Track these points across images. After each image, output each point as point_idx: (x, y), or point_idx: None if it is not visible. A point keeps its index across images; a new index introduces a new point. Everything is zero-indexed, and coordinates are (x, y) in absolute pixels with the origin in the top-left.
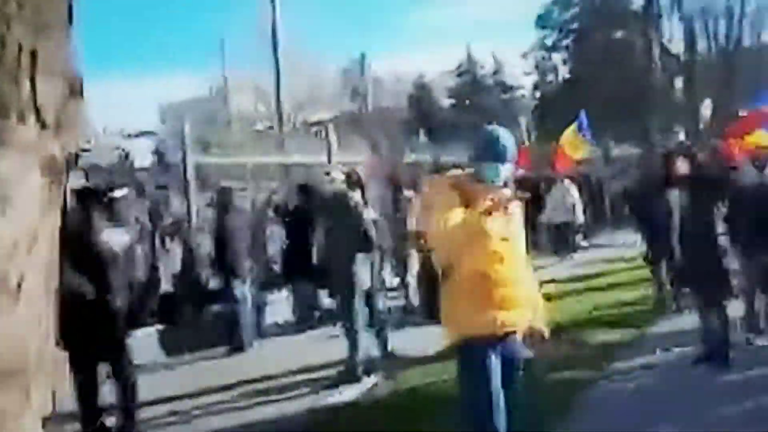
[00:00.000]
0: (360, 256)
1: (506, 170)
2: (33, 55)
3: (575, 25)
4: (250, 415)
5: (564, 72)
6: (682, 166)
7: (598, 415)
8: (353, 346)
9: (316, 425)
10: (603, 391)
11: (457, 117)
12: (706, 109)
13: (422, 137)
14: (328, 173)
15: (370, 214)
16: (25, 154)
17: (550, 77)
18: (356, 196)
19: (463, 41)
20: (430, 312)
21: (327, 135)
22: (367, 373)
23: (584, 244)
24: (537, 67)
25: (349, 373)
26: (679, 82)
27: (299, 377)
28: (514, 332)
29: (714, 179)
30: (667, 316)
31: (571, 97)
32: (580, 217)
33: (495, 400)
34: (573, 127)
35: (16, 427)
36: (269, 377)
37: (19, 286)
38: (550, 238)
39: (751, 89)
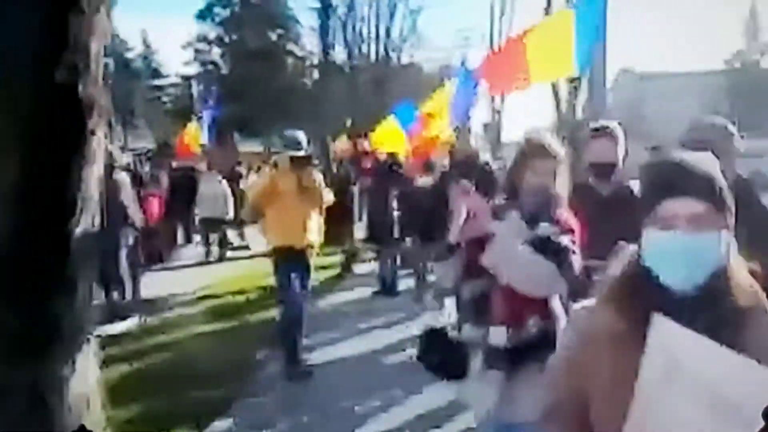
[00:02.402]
0: None
1: None
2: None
3: (234, 23)
4: None
5: (224, 67)
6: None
7: None
8: None
9: None
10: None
11: None
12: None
13: None
14: None
15: None
16: None
17: (211, 69)
18: None
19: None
20: None
21: None
22: None
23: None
24: (195, 58)
25: None
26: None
27: None
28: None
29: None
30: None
31: (231, 92)
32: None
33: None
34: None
35: None
36: None
37: None
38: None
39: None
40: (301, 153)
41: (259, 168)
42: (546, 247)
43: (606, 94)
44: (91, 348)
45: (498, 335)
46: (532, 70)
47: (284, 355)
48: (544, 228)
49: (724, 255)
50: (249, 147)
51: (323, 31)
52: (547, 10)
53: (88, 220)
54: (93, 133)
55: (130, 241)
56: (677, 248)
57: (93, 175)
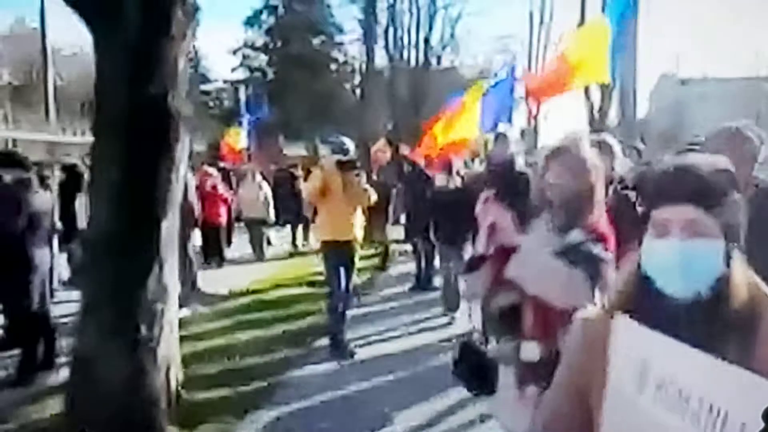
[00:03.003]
0: None
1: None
2: None
3: (279, 31)
4: None
5: (270, 73)
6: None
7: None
8: None
9: None
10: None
11: None
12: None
13: None
14: None
15: None
16: None
17: (257, 75)
18: None
19: None
20: None
21: None
22: None
23: None
24: (242, 64)
25: None
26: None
27: None
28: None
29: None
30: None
31: (276, 96)
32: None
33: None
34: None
35: None
36: None
37: None
38: None
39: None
40: (347, 157)
41: (309, 170)
42: (576, 256)
43: (635, 100)
44: (175, 319)
45: (530, 350)
46: (572, 77)
47: (331, 338)
48: (574, 236)
49: (722, 263)
50: (293, 150)
51: (365, 38)
52: (583, 18)
53: (175, 213)
54: (177, 139)
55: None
56: (671, 255)
57: (179, 175)
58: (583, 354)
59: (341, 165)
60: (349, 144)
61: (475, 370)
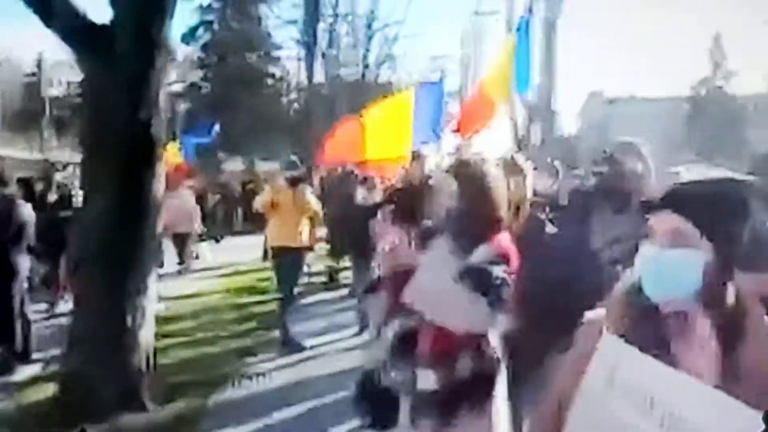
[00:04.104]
0: None
1: None
2: None
3: (215, 46)
4: None
5: (206, 87)
6: None
7: None
8: None
9: None
10: None
11: None
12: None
13: None
14: None
15: None
16: None
17: (194, 89)
18: None
19: None
20: None
21: None
22: None
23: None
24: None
25: None
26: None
27: None
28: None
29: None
30: None
31: (213, 111)
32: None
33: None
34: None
35: None
36: None
37: None
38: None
39: None
40: (296, 173)
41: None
42: (479, 279)
43: (553, 119)
44: (152, 313)
45: (426, 378)
46: (492, 103)
47: (282, 333)
48: (476, 256)
49: (705, 272)
50: (232, 165)
51: (305, 57)
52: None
53: (156, 222)
54: (159, 158)
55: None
56: (654, 262)
57: (160, 187)
58: (582, 358)
59: (291, 180)
60: (297, 162)
61: (374, 402)
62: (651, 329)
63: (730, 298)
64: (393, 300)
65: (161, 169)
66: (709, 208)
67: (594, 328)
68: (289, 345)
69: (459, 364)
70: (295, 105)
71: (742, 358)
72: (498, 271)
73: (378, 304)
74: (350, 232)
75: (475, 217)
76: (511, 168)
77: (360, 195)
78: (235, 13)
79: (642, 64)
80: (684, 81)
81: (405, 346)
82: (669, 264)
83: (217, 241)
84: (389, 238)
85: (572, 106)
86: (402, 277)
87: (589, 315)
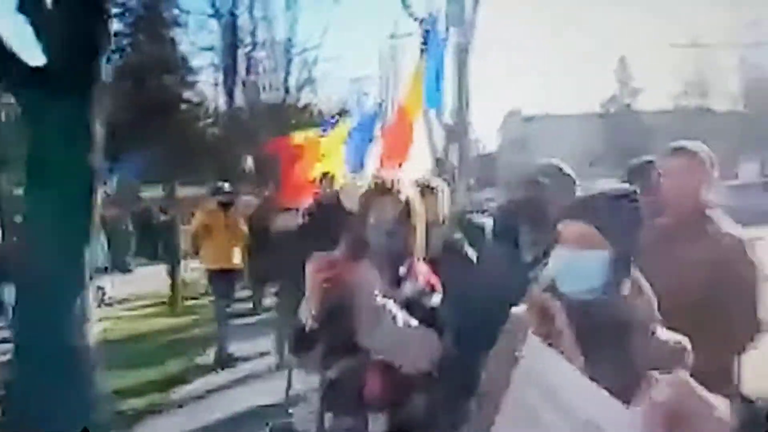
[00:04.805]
0: None
1: None
2: None
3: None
4: None
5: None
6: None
7: None
8: None
9: None
10: None
11: None
12: (247, 162)
13: None
14: None
15: None
16: None
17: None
18: None
19: None
20: None
21: None
22: None
23: None
24: None
25: None
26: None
27: None
28: None
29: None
30: None
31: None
32: None
33: None
34: None
35: None
36: None
37: None
38: None
39: None
40: (227, 198)
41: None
42: (422, 313)
43: (467, 140)
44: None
45: (378, 422)
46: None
47: (217, 350)
48: (409, 288)
49: (610, 271)
50: (151, 191)
51: (225, 81)
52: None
53: (94, 249)
54: (96, 190)
55: None
56: (566, 263)
57: (98, 208)
58: (512, 345)
59: (222, 204)
60: (228, 188)
61: None
62: (568, 317)
63: (626, 290)
64: (330, 342)
65: (98, 201)
66: (609, 216)
67: (520, 323)
68: (224, 362)
69: (412, 403)
70: (215, 130)
71: (630, 345)
72: (435, 300)
73: (313, 357)
74: (271, 259)
75: (399, 243)
76: (426, 189)
77: (280, 221)
78: (147, 37)
79: (555, 84)
80: (594, 99)
81: (351, 390)
82: (579, 264)
83: (127, 271)
84: (322, 278)
85: (491, 125)
86: (341, 315)
87: (514, 311)
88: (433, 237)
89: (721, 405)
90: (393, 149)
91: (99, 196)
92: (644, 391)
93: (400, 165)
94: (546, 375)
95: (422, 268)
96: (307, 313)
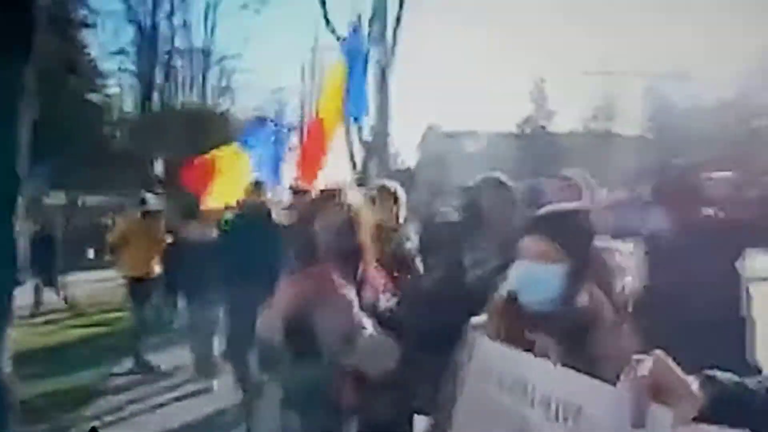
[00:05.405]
0: None
1: None
2: None
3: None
4: None
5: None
6: None
7: None
8: None
9: None
10: None
11: None
12: (159, 165)
13: None
14: None
15: None
16: None
17: None
18: None
19: None
20: None
21: None
22: None
23: None
24: None
25: None
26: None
27: None
28: None
29: None
30: None
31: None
32: None
33: None
34: None
35: None
36: None
37: None
38: None
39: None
40: (149, 208)
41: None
42: (386, 320)
43: (387, 153)
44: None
45: (351, 428)
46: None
47: (134, 356)
48: (368, 296)
49: (566, 283)
50: (55, 199)
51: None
52: None
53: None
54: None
55: None
56: (526, 275)
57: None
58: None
59: (144, 214)
60: (151, 199)
61: None
62: (519, 326)
63: (583, 300)
64: (299, 353)
65: (22, 210)
66: (566, 231)
67: (479, 331)
68: (142, 368)
69: (381, 408)
70: (122, 135)
71: (596, 345)
72: (392, 302)
73: (281, 370)
74: (183, 270)
75: (351, 251)
76: (385, 195)
77: (194, 230)
78: (54, 36)
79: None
80: (510, 119)
81: (328, 397)
82: (538, 276)
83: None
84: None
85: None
86: (310, 327)
87: (474, 320)
88: (392, 241)
89: (693, 383)
90: (309, 160)
91: (22, 206)
92: (627, 372)
93: (315, 176)
94: (509, 371)
95: (376, 273)
96: (273, 329)
